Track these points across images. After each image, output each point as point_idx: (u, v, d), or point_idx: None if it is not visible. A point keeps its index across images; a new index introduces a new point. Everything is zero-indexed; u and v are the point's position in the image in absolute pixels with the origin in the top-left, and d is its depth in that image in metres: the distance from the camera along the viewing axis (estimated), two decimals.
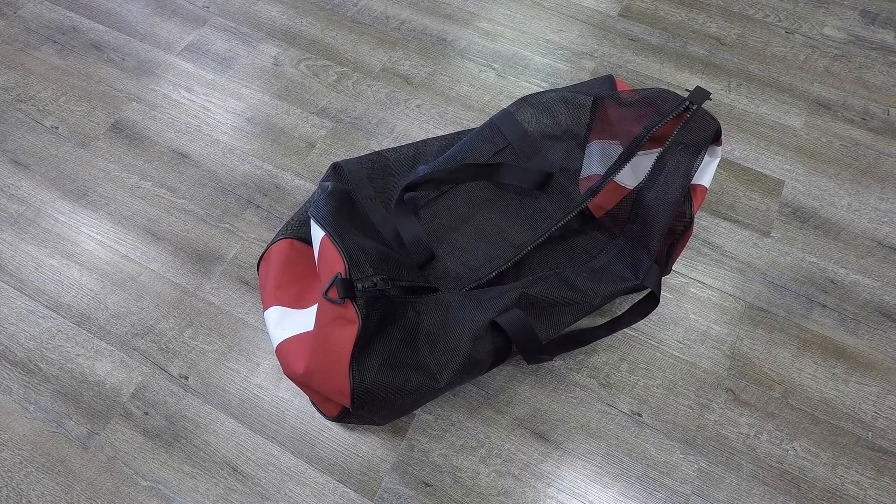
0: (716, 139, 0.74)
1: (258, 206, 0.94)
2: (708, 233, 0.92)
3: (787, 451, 0.75)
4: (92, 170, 0.99)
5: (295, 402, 0.78)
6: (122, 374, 0.80)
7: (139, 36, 1.15)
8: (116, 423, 0.77)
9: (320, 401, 0.75)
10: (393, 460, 0.74)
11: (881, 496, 0.72)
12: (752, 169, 0.98)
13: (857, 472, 0.74)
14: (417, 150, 0.87)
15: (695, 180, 0.77)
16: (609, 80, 0.86)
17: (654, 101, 0.75)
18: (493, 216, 0.82)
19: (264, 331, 0.83)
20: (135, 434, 0.76)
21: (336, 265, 0.62)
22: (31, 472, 0.74)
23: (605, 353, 0.81)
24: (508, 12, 1.18)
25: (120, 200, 0.95)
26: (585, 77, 1.09)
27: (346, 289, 0.60)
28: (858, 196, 0.96)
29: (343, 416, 0.73)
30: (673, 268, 0.88)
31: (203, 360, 0.81)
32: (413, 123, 1.03)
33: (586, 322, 0.83)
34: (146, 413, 0.78)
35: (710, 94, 0.77)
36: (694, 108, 0.73)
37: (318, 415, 0.77)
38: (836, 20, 1.17)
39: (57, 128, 1.03)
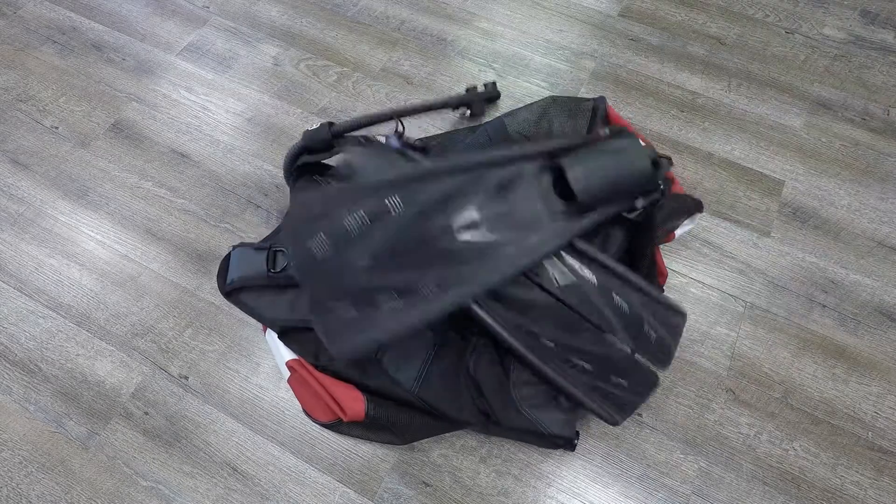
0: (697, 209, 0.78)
1: (258, 206, 0.94)
2: (708, 233, 0.92)
3: (787, 451, 0.75)
4: (92, 170, 0.99)
5: (295, 403, 0.78)
6: (122, 374, 0.80)
7: (139, 36, 1.15)
8: (116, 423, 0.77)
9: (312, 407, 0.76)
10: (393, 460, 0.74)
11: (881, 496, 0.72)
12: (752, 169, 0.98)
13: (857, 472, 0.74)
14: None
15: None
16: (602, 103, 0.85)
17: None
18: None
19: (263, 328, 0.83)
20: (135, 434, 0.76)
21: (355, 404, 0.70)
22: (31, 472, 0.74)
23: None
24: (508, 12, 1.18)
25: (120, 200, 0.95)
26: (585, 77, 1.09)
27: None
28: (858, 196, 0.95)
29: (336, 426, 0.74)
30: (673, 268, 0.88)
31: (203, 360, 0.81)
32: (413, 123, 1.02)
33: None
34: (146, 413, 0.78)
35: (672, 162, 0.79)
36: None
37: None
38: (836, 20, 1.17)
39: (57, 128, 1.03)
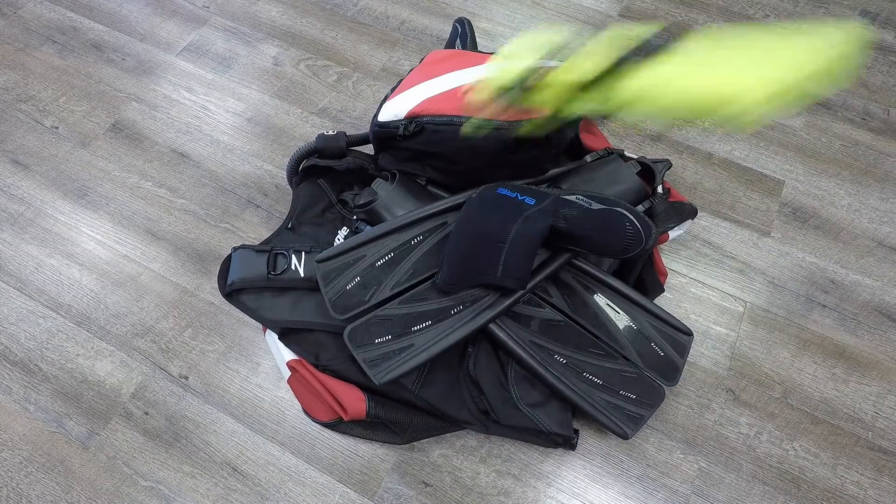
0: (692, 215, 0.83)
1: (258, 206, 0.94)
2: (708, 233, 0.92)
3: (787, 451, 0.75)
4: (92, 170, 0.99)
5: (295, 403, 0.78)
6: (122, 374, 0.80)
7: (139, 36, 1.15)
8: (116, 423, 0.77)
9: (312, 406, 0.76)
10: (393, 460, 0.74)
11: (881, 496, 0.72)
12: (752, 169, 0.98)
13: (857, 472, 0.74)
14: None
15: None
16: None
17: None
18: None
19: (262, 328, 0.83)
20: (135, 434, 0.76)
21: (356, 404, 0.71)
22: (31, 472, 0.74)
23: None
24: (508, 12, 1.18)
25: (120, 200, 0.95)
26: None
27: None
28: (858, 196, 0.95)
29: (336, 425, 0.75)
30: (673, 268, 0.88)
31: (203, 360, 0.81)
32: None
33: None
34: (146, 413, 0.78)
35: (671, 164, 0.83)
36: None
37: None
38: (836, 20, 1.17)
39: (57, 128, 1.03)
